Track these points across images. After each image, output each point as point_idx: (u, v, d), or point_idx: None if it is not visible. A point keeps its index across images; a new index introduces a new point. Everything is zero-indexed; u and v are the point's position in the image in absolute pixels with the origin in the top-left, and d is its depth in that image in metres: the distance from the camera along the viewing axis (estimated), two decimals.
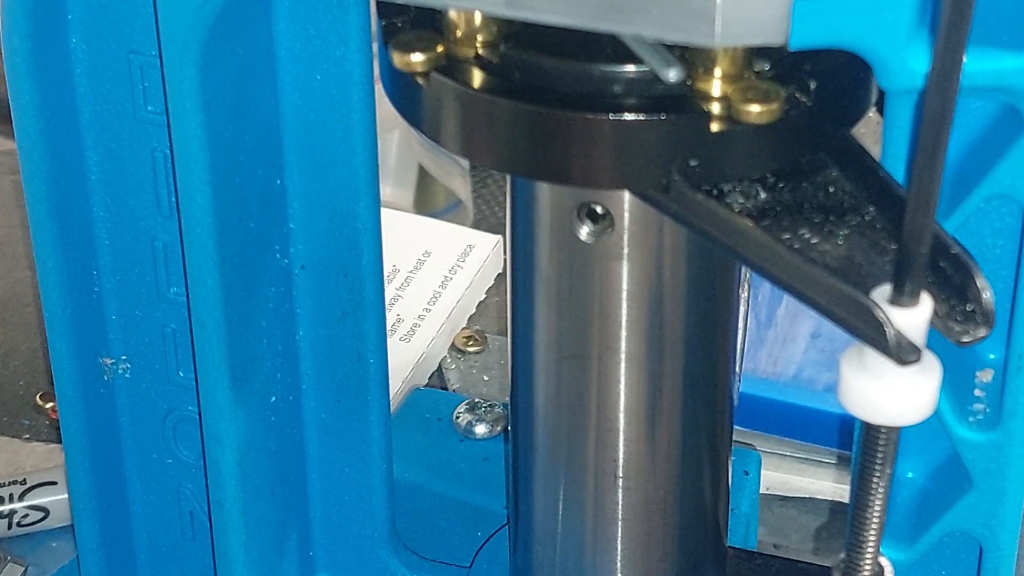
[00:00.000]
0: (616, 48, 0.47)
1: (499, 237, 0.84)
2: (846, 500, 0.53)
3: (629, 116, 0.46)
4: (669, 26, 0.45)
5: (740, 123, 0.46)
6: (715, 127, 0.46)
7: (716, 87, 0.46)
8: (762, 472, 0.73)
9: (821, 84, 0.47)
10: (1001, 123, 0.47)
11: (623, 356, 0.54)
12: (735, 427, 0.61)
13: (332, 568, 0.64)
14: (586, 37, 0.48)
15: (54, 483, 0.69)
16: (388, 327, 0.78)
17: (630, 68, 0.47)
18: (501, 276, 0.84)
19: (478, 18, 0.48)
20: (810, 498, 0.78)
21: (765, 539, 0.76)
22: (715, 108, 0.46)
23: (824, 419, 0.78)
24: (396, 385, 0.74)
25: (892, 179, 0.47)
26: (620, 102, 0.47)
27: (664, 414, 0.55)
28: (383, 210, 0.59)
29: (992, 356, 0.50)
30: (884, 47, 0.44)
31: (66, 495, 0.68)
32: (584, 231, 0.52)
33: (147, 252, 0.57)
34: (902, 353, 0.42)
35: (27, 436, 0.74)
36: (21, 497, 0.69)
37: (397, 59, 0.49)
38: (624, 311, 0.53)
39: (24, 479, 0.69)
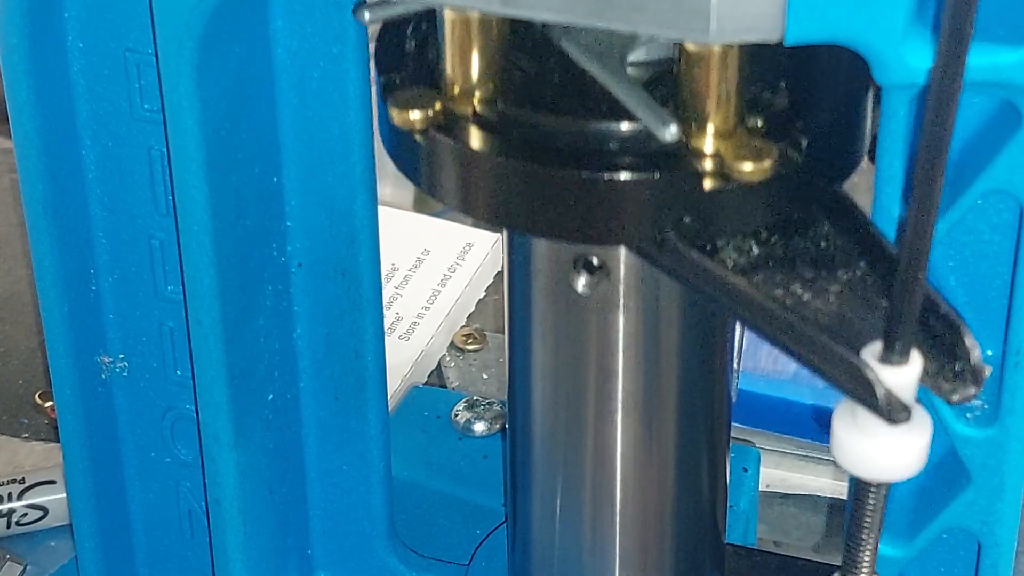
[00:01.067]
0: (612, 105, 0.48)
1: (498, 235, 0.84)
2: (845, 497, 0.53)
3: (624, 175, 0.47)
4: (664, 23, 0.45)
5: (733, 180, 0.46)
6: (708, 185, 0.46)
7: (709, 143, 0.47)
8: (762, 470, 0.73)
9: (812, 141, 0.47)
10: (998, 118, 0.47)
11: (619, 406, 0.55)
12: (735, 424, 0.61)
13: (331, 566, 0.64)
14: (582, 93, 0.49)
15: (53, 482, 0.69)
16: (387, 325, 0.78)
17: (625, 125, 0.48)
18: (500, 274, 0.84)
19: (475, 73, 0.49)
20: (810, 495, 0.78)
21: (765, 537, 0.76)
22: (708, 164, 0.47)
23: (825, 416, 0.78)
24: (395, 383, 0.74)
25: (883, 235, 0.47)
26: (615, 160, 0.47)
27: (661, 415, 0.55)
28: (382, 208, 0.59)
29: (990, 352, 0.50)
30: (880, 42, 0.44)
31: (65, 494, 0.68)
32: (580, 283, 0.52)
33: (144, 250, 0.57)
34: (892, 413, 0.43)
35: (26, 435, 0.74)
36: (20, 496, 0.69)
37: (396, 116, 0.49)
38: (621, 361, 0.54)
39: (23, 478, 0.69)
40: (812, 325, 0.45)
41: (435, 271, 0.81)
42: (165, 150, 0.55)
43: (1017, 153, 0.46)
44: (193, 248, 0.55)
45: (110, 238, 0.57)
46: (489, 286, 0.83)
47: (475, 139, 0.49)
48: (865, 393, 0.43)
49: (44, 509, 0.69)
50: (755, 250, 0.48)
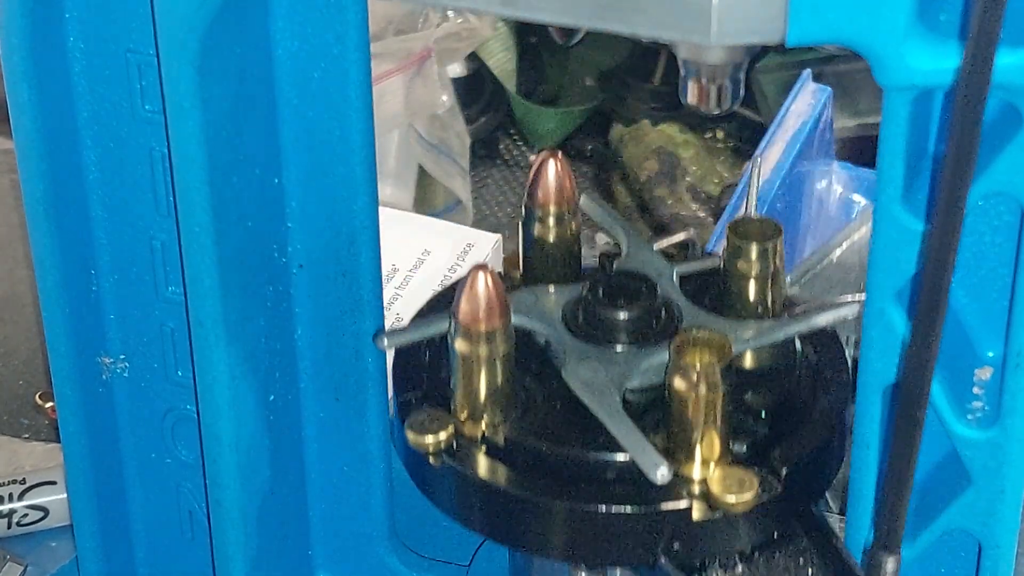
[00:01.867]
0: (610, 437, 0.53)
1: (498, 236, 0.84)
2: None
3: (619, 508, 0.52)
4: (666, 25, 0.45)
5: (719, 510, 0.52)
6: (696, 515, 0.52)
7: (697, 470, 0.52)
8: None
9: (791, 470, 0.53)
10: (999, 120, 0.47)
11: None
12: None
13: (331, 566, 0.64)
14: (583, 423, 0.54)
15: (54, 483, 0.69)
16: (388, 326, 0.78)
17: (622, 457, 0.53)
18: (500, 275, 0.83)
19: (482, 401, 0.54)
20: None
21: None
22: (696, 491, 0.52)
23: None
24: None
25: (850, 556, 0.52)
26: (612, 490, 0.53)
27: None
28: (382, 209, 0.59)
29: (991, 354, 0.50)
30: (881, 43, 0.44)
31: (65, 495, 0.68)
32: None
33: (145, 251, 0.57)
34: None
35: (27, 435, 0.74)
36: (21, 496, 0.69)
37: (411, 439, 0.55)
38: None
39: (24, 479, 0.69)
40: None
41: (435, 272, 0.81)
42: (166, 151, 0.55)
43: (1018, 155, 0.46)
44: (194, 249, 0.55)
45: (111, 239, 0.57)
46: None
47: (482, 466, 0.54)
48: None
49: (45, 510, 0.69)
50: (739, 568, 0.53)
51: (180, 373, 0.59)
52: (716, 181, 1.64)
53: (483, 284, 0.53)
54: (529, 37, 1.79)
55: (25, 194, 0.56)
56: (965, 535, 0.52)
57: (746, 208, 0.68)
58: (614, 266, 0.60)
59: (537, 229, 0.59)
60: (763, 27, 0.44)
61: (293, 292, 0.58)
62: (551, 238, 0.59)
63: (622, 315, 0.56)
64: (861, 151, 1.40)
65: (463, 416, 0.55)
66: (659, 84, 1.74)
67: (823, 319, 0.57)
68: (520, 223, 0.60)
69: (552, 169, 0.58)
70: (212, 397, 0.57)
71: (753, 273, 0.57)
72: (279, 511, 0.61)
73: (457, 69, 1.70)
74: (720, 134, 1.69)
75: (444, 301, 0.59)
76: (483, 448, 0.55)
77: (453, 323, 0.54)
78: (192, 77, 0.52)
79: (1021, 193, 0.47)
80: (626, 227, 0.61)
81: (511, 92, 1.78)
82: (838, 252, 0.65)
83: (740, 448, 0.54)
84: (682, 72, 0.49)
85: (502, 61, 1.78)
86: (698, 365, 0.52)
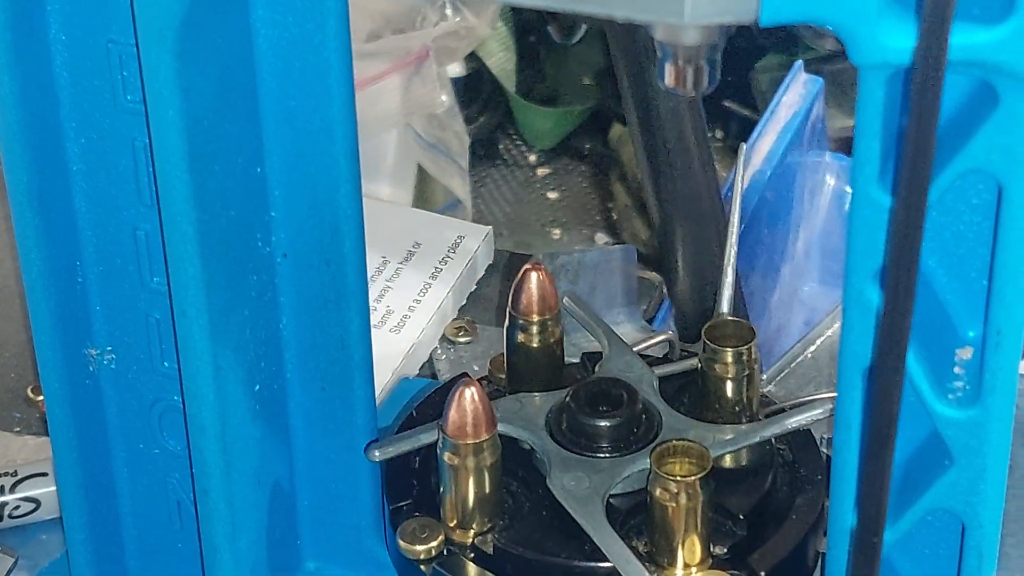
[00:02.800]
0: (595, 545, 0.56)
1: (489, 228, 0.84)
2: None
3: None
4: (640, 6, 0.45)
5: None
6: None
7: (679, 575, 0.56)
8: None
9: (769, 572, 0.57)
10: (975, 98, 0.47)
11: None
12: None
13: (319, 557, 0.64)
14: (569, 531, 0.57)
15: (45, 474, 0.69)
16: (378, 318, 0.78)
17: (606, 566, 0.56)
18: (492, 267, 0.84)
19: (471, 510, 0.58)
20: None
21: None
22: None
23: None
24: (386, 376, 0.75)
25: None
26: None
27: None
28: (374, 202, 0.59)
29: (971, 333, 0.50)
30: (855, 22, 0.44)
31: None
32: None
33: (129, 242, 0.57)
34: None
35: (18, 429, 0.74)
36: (12, 489, 0.69)
37: (404, 547, 0.59)
38: None
39: (15, 471, 0.69)
40: None
41: (426, 264, 0.81)
42: (148, 141, 0.55)
43: (995, 133, 0.46)
44: (177, 239, 0.55)
45: (95, 230, 0.58)
46: (480, 279, 0.83)
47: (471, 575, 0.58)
48: None
49: (36, 502, 0.69)
50: None
51: (166, 364, 0.59)
52: None
53: (470, 398, 0.57)
54: (528, 36, 1.79)
55: (9, 186, 0.57)
56: (948, 515, 0.52)
57: (734, 199, 0.68)
58: (595, 368, 0.64)
59: (520, 336, 0.63)
60: (736, 6, 0.44)
61: (277, 282, 0.58)
62: (535, 344, 0.63)
63: (604, 424, 0.59)
64: None
65: (452, 523, 0.59)
66: None
67: (796, 420, 0.60)
68: (504, 329, 0.64)
69: (535, 280, 0.62)
70: (197, 387, 0.57)
71: (730, 375, 0.61)
72: (266, 501, 0.61)
73: (456, 68, 1.70)
74: (719, 134, 1.69)
75: (432, 409, 0.63)
76: (472, 556, 0.58)
77: (441, 436, 0.58)
78: (171, 66, 0.52)
79: (998, 171, 0.47)
80: (607, 329, 0.64)
81: (510, 92, 1.78)
82: (811, 349, 0.67)
83: (720, 551, 0.57)
84: (659, 54, 0.49)
85: (501, 60, 1.78)
86: (678, 476, 0.56)
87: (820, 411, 0.60)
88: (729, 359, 0.60)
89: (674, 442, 0.57)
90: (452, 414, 0.57)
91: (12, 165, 0.56)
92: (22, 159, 0.56)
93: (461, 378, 0.59)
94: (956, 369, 0.50)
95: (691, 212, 0.74)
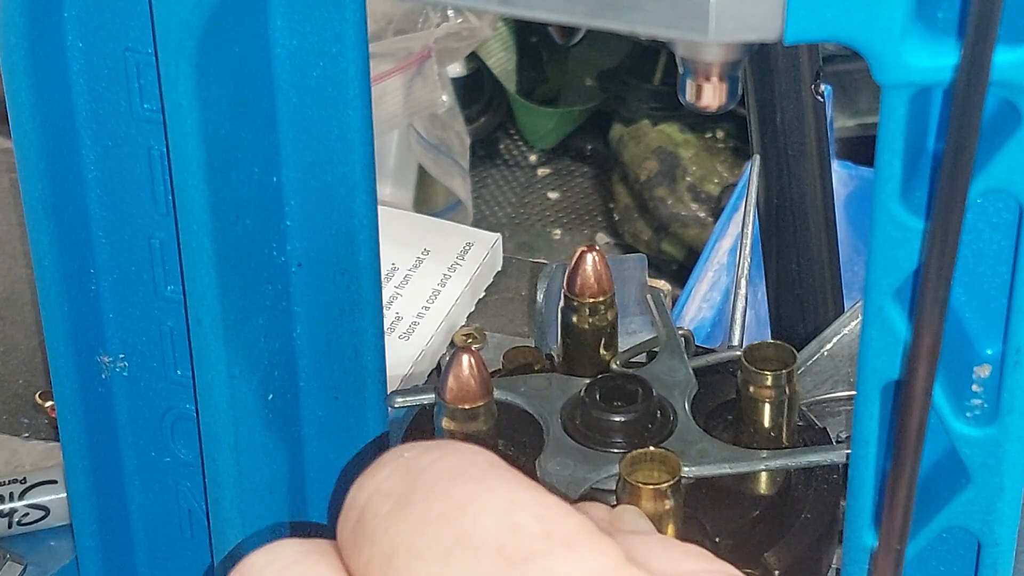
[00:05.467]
0: None
1: (498, 235, 0.84)
2: None
3: None
4: (663, 23, 0.45)
5: None
6: None
7: None
8: None
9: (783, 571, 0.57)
10: (998, 118, 0.47)
11: None
12: None
13: None
14: None
15: (54, 482, 0.69)
16: (387, 325, 0.78)
17: None
18: (500, 274, 0.84)
19: None
20: None
21: None
22: None
23: None
24: (395, 383, 0.74)
25: None
26: None
27: None
28: (382, 208, 0.59)
29: (989, 351, 0.50)
30: (879, 41, 0.44)
31: (66, 494, 0.68)
32: None
33: (144, 250, 0.57)
34: None
35: (26, 435, 0.74)
36: (21, 496, 0.69)
37: None
38: None
39: (24, 478, 0.69)
40: None
41: (435, 271, 0.81)
42: (165, 150, 0.55)
43: (1017, 152, 0.46)
44: (193, 248, 0.55)
45: (110, 238, 0.57)
46: (489, 286, 0.83)
47: None
48: None
49: (45, 509, 0.69)
50: None
51: (179, 372, 0.59)
52: (716, 181, 1.64)
53: (467, 364, 0.57)
54: (529, 37, 1.79)
55: (24, 193, 0.56)
56: (964, 533, 0.52)
57: (746, 205, 0.68)
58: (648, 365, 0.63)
59: (573, 318, 0.63)
60: (761, 25, 0.44)
61: (292, 291, 0.58)
62: (585, 327, 0.63)
63: (614, 418, 0.59)
64: (861, 151, 1.40)
65: None
66: (659, 84, 1.74)
67: (812, 459, 0.60)
68: (559, 311, 0.64)
69: (590, 262, 0.63)
70: (211, 396, 0.57)
71: (766, 399, 0.60)
72: (278, 510, 0.61)
73: (457, 69, 1.70)
74: (720, 134, 1.69)
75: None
76: None
77: (438, 403, 0.58)
78: (190, 76, 0.52)
79: (1020, 191, 0.47)
80: (672, 332, 0.64)
81: (511, 92, 1.78)
82: (828, 346, 0.67)
83: (729, 542, 0.57)
84: (680, 70, 0.49)
85: (502, 61, 1.78)
86: (643, 483, 0.55)
87: (838, 454, 0.60)
88: (769, 382, 0.60)
89: (649, 449, 0.56)
90: (450, 380, 0.57)
91: (28, 172, 0.56)
92: (38, 166, 0.56)
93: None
94: (974, 387, 0.50)
95: (801, 219, 0.75)
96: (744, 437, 0.61)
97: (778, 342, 0.62)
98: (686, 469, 0.57)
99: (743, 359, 0.61)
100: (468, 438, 0.58)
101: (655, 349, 0.65)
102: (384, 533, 0.35)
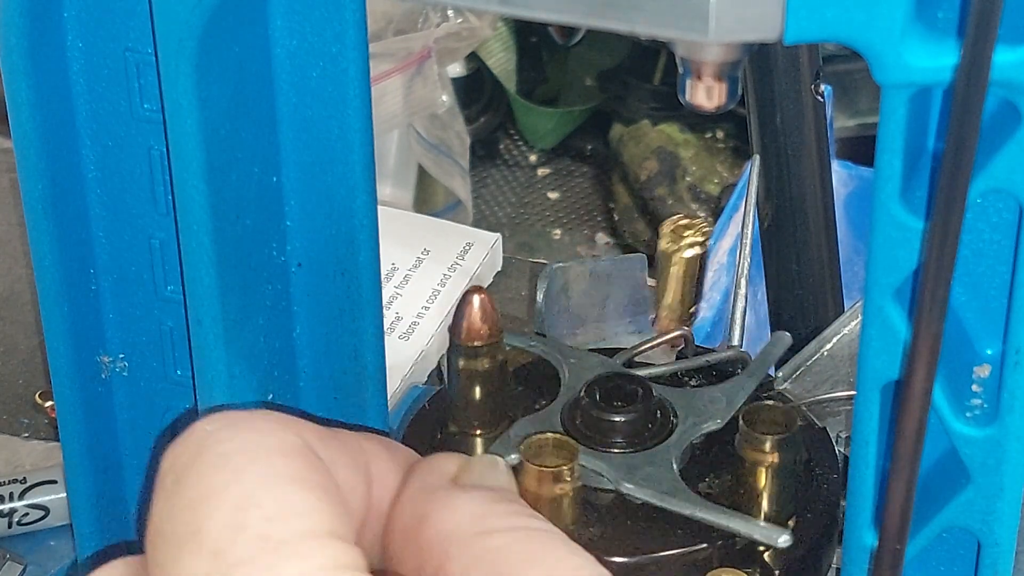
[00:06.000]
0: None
1: (498, 235, 0.84)
2: None
3: None
4: (663, 23, 0.45)
5: None
6: None
7: None
8: None
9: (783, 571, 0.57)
10: (998, 117, 0.47)
11: None
12: None
13: None
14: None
15: (54, 482, 0.69)
16: (387, 325, 0.78)
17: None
18: (500, 274, 0.84)
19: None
20: None
21: None
22: None
23: None
24: (395, 383, 0.75)
25: None
26: None
27: None
28: (382, 208, 0.59)
29: (989, 351, 0.50)
30: (879, 41, 0.44)
31: (66, 494, 0.68)
32: None
33: (144, 250, 0.57)
34: None
35: (26, 435, 0.75)
36: (21, 496, 0.69)
37: None
38: None
39: (24, 478, 0.69)
40: None
41: (435, 271, 0.81)
42: (165, 150, 0.55)
43: (1017, 152, 0.46)
44: (193, 248, 0.55)
45: (110, 238, 0.58)
46: (489, 286, 0.83)
47: None
48: None
49: (45, 509, 0.69)
50: None
51: (179, 372, 0.59)
52: (716, 181, 1.64)
53: (478, 304, 0.59)
54: (529, 37, 1.79)
55: (24, 193, 0.56)
56: (964, 533, 0.52)
57: (746, 205, 0.68)
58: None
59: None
60: (761, 24, 0.44)
61: (292, 291, 0.58)
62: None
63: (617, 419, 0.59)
64: (861, 151, 1.40)
65: None
66: (659, 84, 1.74)
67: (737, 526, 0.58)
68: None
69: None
70: (211, 396, 0.57)
71: (765, 464, 0.58)
72: None
73: (457, 69, 1.70)
74: (720, 134, 1.69)
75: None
76: None
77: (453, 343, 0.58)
78: (190, 76, 0.52)
79: (1020, 191, 0.47)
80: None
81: (511, 92, 1.78)
82: (828, 346, 0.67)
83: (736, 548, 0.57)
84: (680, 70, 0.49)
85: (502, 61, 1.78)
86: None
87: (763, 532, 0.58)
88: (767, 447, 0.57)
89: (548, 435, 0.56)
90: (460, 320, 0.60)
91: (27, 172, 0.56)
92: (37, 166, 0.56)
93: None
94: (974, 387, 0.50)
95: (801, 219, 0.75)
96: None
97: (782, 405, 0.59)
98: (627, 487, 0.57)
99: (741, 419, 0.58)
100: (480, 376, 0.59)
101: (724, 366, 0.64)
102: (155, 510, 0.36)
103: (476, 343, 0.60)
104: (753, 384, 0.62)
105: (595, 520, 0.58)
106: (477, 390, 0.61)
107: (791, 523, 0.58)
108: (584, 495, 0.58)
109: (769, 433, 0.57)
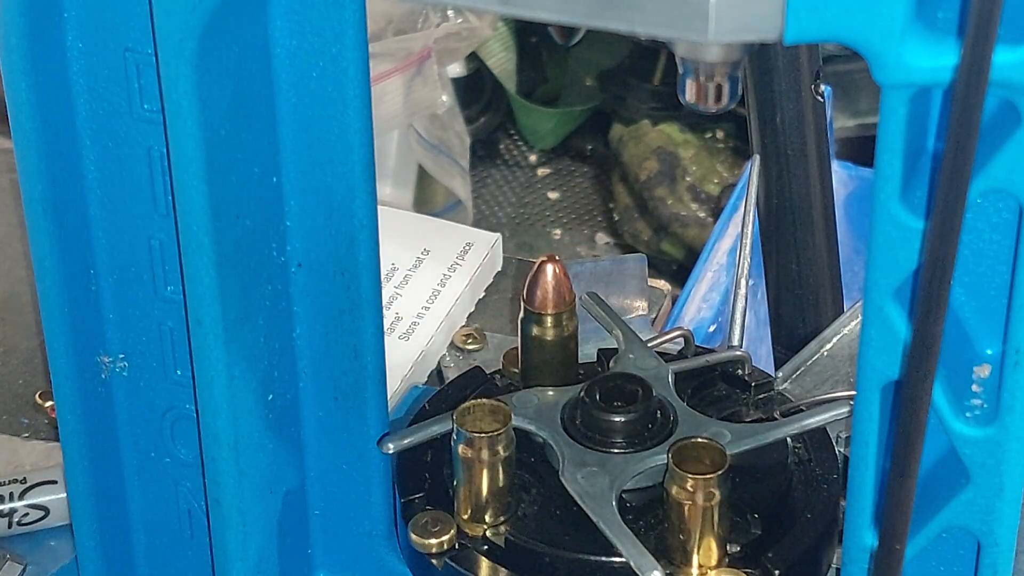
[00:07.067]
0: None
1: (498, 235, 0.84)
2: None
3: None
4: (663, 23, 0.45)
5: None
6: None
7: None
8: None
9: (784, 571, 0.57)
10: (998, 118, 0.47)
11: None
12: None
13: (331, 566, 0.64)
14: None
15: (54, 482, 0.69)
16: (387, 325, 0.77)
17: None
18: (500, 274, 0.84)
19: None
20: None
21: None
22: None
23: None
24: (395, 383, 0.74)
25: None
26: None
27: None
28: (382, 208, 0.59)
29: (989, 351, 0.50)
30: (879, 41, 0.44)
31: (66, 494, 0.68)
32: None
33: (144, 250, 0.57)
34: None
35: (26, 435, 0.74)
36: (21, 496, 0.69)
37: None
38: None
39: (24, 478, 0.69)
40: None
41: (435, 271, 0.81)
42: (165, 150, 0.55)
43: (1017, 152, 0.46)
44: (193, 248, 0.55)
45: (110, 238, 0.57)
46: (489, 286, 0.83)
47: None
48: None
49: (45, 509, 0.69)
50: None
51: (179, 372, 0.59)
52: (716, 181, 1.64)
53: (551, 272, 0.61)
54: (529, 37, 1.79)
55: (24, 193, 0.57)
56: (964, 533, 0.52)
57: (746, 205, 0.68)
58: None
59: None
60: (761, 24, 0.44)
61: (292, 291, 0.58)
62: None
63: (618, 419, 0.59)
64: (861, 151, 1.40)
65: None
66: (659, 84, 1.74)
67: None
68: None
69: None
70: (211, 396, 0.57)
71: (690, 502, 0.57)
72: (278, 510, 0.61)
73: (457, 69, 1.70)
74: (720, 134, 1.69)
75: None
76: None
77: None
78: (190, 76, 0.52)
79: (1020, 191, 0.47)
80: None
81: (511, 92, 1.78)
82: (828, 346, 0.67)
83: (734, 550, 0.57)
84: (680, 70, 0.49)
85: (502, 61, 1.78)
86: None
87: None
88: (690, 486, 0.56)
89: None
90: (536, 289, 0.61)
91: (27, 172, 0.56)
92: (37, 167, 0.56)
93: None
94: (974, 387, 0.50)
95: (801, 219, 0.75)
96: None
97: (709, 442, 0.57)
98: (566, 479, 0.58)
99: (668, 456, 0.56)
100: (552, 344, 0.61)
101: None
102: None
103: (549, 311, 0.61)
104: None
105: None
106: (548, 355, 0.62)
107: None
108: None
109: (694, 472, 0.56)
